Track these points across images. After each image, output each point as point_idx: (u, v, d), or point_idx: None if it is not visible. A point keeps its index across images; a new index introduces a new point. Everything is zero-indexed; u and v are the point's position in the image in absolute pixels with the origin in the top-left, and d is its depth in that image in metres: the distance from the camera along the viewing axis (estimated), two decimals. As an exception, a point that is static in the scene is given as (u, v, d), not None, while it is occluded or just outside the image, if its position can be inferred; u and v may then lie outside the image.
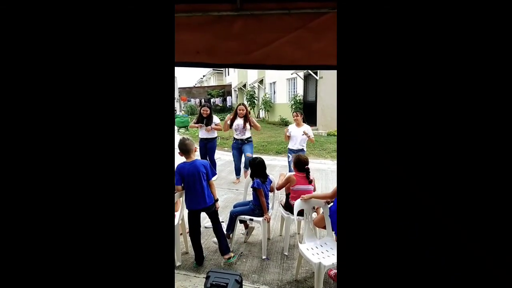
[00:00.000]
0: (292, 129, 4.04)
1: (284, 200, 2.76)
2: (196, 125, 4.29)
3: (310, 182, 2.61)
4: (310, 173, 2.63)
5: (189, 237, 2.39)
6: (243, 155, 4.23)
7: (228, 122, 4.15)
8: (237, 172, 4.51)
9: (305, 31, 1.43)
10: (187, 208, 2.36)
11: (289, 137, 4.01)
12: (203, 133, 4.27)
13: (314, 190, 2.63)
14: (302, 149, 3.95)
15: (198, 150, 3.60)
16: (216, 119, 4.37)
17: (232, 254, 2.42)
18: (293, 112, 4.22)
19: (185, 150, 2.29)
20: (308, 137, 3.88)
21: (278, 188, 2.71)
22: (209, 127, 4.21)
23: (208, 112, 4.24)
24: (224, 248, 2.39)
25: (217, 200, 2.41)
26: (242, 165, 4.45)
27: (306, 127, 3.98)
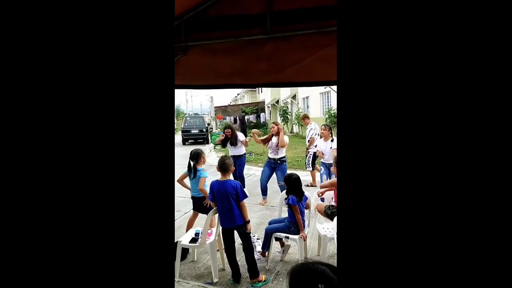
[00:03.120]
0: (320, 144, 4.13)
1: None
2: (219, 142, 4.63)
3: None
4: None
5: (225, 254, 2.42)
6: (276, 178, 4.15)
7: (261, 138, 4.25)
8: (264, 192, 4.34)
9: (334, 48, 1.44)
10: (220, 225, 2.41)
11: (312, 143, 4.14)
12: (232, 152, 4.40)
13: None
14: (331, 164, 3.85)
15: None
16: (241, 136, 4.51)
17: (263, 278, 2.34)
18: (321, 126, 4.30)
19: (223, 168, 2.37)
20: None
21: (322, 187, 2.67)
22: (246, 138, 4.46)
23: (230, 132, 4.43)
24: (252, 271, 2.33)
25: (248, 221, 2.36)
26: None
27: (334, 142, 3.98)
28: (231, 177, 2.47)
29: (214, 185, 2.38)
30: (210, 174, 3.02)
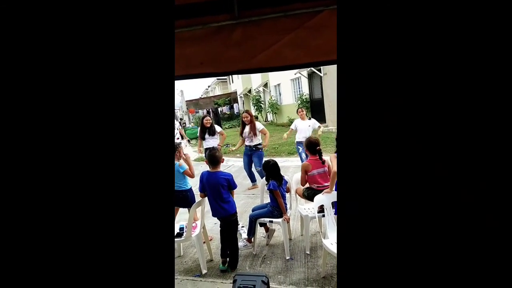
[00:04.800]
0: (298, 123, 4.64)
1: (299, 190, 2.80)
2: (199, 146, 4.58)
3: (323, 162, 2.65)
4: (322, 154, 2.68)
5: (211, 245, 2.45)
6: (253, 164, 4.33)
7: (240, 135, 4.31)
8: (251, 179, 4.52)
9: (303, 30, 1.46)
10: None
11: (292, 130, 4.71)
12: (208, 144, 4.35)
13: (329, 170, 2.62)
14: None
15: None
16: (217, 127, 4.50)
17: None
18: (297, 109, 4.91)
19: (213, 161, 2.38)
20: (318, 127, 4.63)
21: (303, 184, 2.74)
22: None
23: (210, 121, 4.38)
24: (234, 258, 2.43)
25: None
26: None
27: (312, 121, 4.66)
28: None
29: (204, 175, 2.38)
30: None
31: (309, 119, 4.70)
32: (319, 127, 4.69)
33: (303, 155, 4.44)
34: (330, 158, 2.63)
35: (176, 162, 2.83)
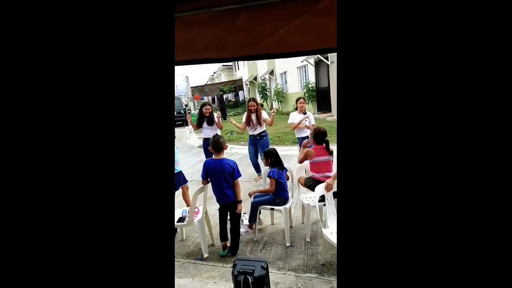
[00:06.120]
0: (294, 116, 4.10)
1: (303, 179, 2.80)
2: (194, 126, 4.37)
3: (330, 153, 2.65)
4: (329, 144, 2.68)
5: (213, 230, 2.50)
6: (258, 153, 4.17)
7: (244, 120, 4.15)
8: (257, 169, 4.41)
9: (311, 16, 1.41)
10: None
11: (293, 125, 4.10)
12: (206, 133, 4.20)
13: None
14: (307, 136, 3.95)
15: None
16: (216, 117, 4.20)
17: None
18: (297, 99, 4.27)
19: (218, 147, 2.39)
20: (312, 125, 3.91)
21: (300, 162, 2.77)
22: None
23: (210, 110, 4.18)
24: (235, 243, 2.46)
25: (240, 201, 2.42)
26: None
27: (308, 115, 4.04)
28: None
29: (210, 163, 2.40)
30: (193, 155, 3.02)
31: (304, 113, 4.06)
32: (313, 125, 3.92)
33: (310, 139, 4.25)
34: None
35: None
